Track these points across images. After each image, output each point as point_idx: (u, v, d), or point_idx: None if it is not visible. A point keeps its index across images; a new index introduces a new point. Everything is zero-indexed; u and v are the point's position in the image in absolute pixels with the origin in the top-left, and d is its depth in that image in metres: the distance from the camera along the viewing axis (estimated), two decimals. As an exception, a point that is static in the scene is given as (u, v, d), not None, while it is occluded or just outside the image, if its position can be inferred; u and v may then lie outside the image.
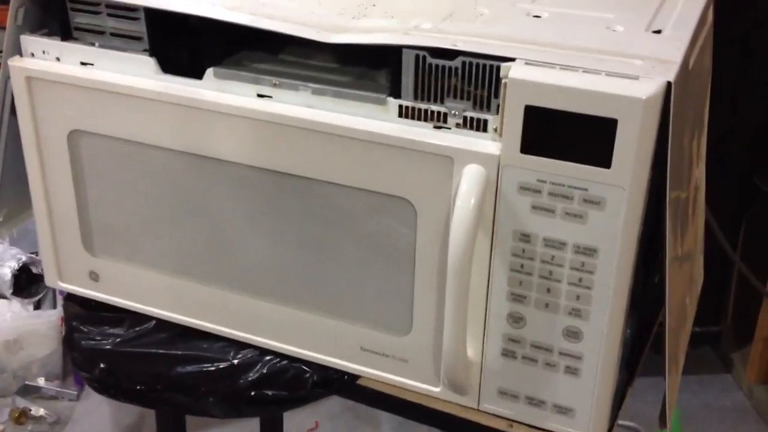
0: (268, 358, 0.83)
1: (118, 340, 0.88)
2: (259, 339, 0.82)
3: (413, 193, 0.68)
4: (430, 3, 0.74)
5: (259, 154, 0.73)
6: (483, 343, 0.71)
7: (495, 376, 0.72)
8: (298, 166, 0.72)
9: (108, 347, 0.89)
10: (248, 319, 0.82)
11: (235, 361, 0.84)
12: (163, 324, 0.87)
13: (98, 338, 0.90)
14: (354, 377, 0.81)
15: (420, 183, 0.68)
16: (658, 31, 0.68)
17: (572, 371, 0.69)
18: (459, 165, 0.65)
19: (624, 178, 0.60)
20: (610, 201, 0.61)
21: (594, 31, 0.67)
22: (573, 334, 0.67)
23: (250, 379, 0.83)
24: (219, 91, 0.73)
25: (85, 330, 0.91)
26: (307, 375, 0.82)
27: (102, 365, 0.90)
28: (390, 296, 0.74)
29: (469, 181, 0.64)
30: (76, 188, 0.84)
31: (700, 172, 0.84)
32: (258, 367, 0.83)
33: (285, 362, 0.82)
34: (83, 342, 0.90)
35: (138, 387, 0.88)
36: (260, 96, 0.72)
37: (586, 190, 0.62)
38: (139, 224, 0.83)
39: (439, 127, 0.67)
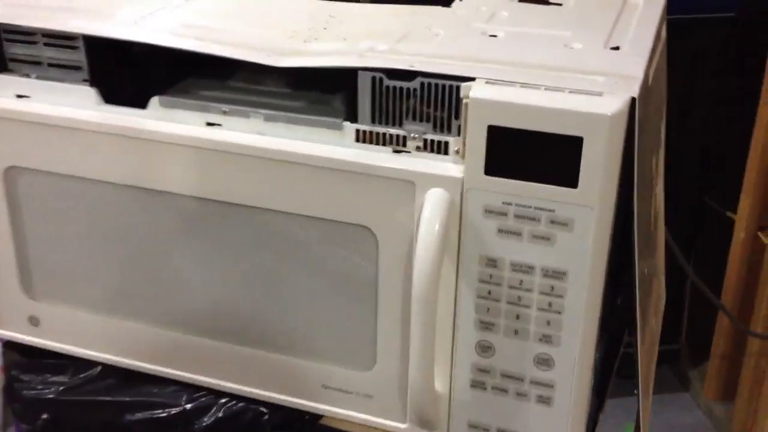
0: (223, 400, 0.79)
1: (62, 388, 0.83)
2: (213, 381, 0.78)
3: (373, 220, 0.66)
4: (383, 25, 0.72)
5: (208, 185, 0.70)
6: (451, 374, 0.68)
7: (464, 408, 0.69)
8: (249, 196, 0.69)
9: (51, 396, 0.84)
10: (200, 360, 0.78)
11: (188, 406, 0.79)
12: (109, 369, 0.82)
13: (40, 387, 0.84)
14: (316, 417, 0.77)
15: (380, 209, 0.65)
16: (617, 48, 0.66)
17: (544, 400, 0.66)
18: (421, 189, 0.63)
19: (592, 198, 0.59)
20: (578, 221, 0.59)
21: (552, 49, 0.66)
22: (544, 362, 0.65)
23: (204, 424, 0.79)
24: (165, 120, 0.69)
25: (26, 379, 0.85)
26: (266, 417, 0.78)
27: (45, 416, 0.85)
28: (351, 329, 0.71)
29: (433, 205, 0.62)
30: (13, 228, 0.79)
31: (659, 190, 0.84)
32: (213, 410, 0.79)
33: (242, 404, 0.78)
34: (24, 392, 0.85)
35: (85, 438, 0.83)
36: (209, 124, 0.69)
37: (553, 211, 0.60)
38: (81, 264, 0.78)
39: (399, 151, 0.65)
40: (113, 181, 0.73)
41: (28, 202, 0.78)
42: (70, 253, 0.78)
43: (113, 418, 0.81)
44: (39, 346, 0.84)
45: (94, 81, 0.72)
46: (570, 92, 0.58)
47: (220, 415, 0.78)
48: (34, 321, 0.84)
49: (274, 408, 0.77)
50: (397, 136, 0.65)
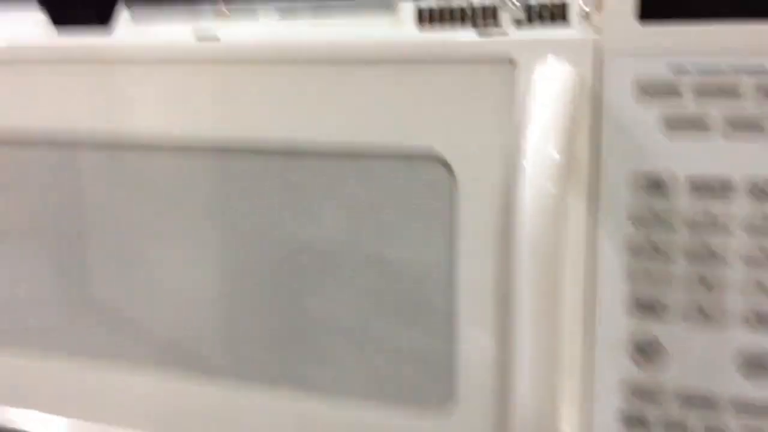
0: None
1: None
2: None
3: (446, 141, 0.40)
4: None
5: (212, 124, 0.46)
6: (584, 404, 0.40)
7: (611, 468, 0.40)
8: (269, 130, 0.45)
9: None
10: (195, 418, 0.50)
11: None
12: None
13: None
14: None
15: (457, 121, 0.40)
16: None
17: (760, 442, 0.37)
18: (525, 70, 0.38)
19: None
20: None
21: None
22: (758, 365, 0.36)
23: None
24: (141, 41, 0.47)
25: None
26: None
27: None
28: (414, 344, 0.44)
29: (547, 90, 0.37)
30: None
31: None
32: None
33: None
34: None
35: None
36: (201, 40, 0.46)
37: (765, 72, 0.34)
38: (31, 277, 0.54)
39: (487, 31, 0.40)
40: (77, 136, 0.50)
41: None
42: (16, 254, 0.54)
43: None
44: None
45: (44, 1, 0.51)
46: None
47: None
48: None
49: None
50: (483, 9, 0.40)
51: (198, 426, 0.50)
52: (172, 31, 0.48)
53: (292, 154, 0.44)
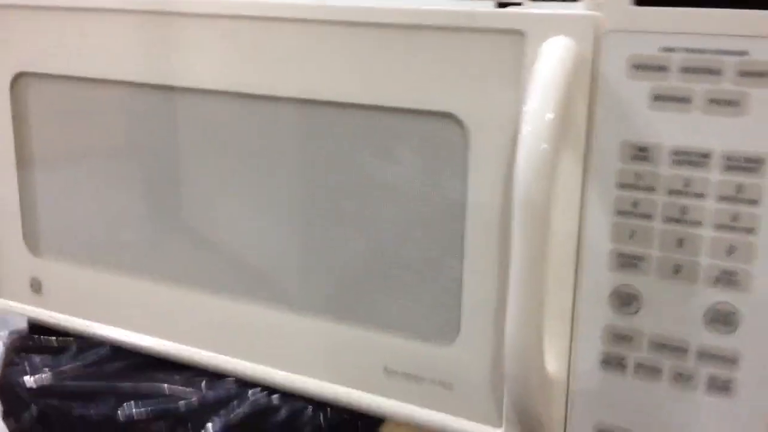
0: (251, 392, 0.58)
1: (58, 374, 0.64)
2: (239, 364, 0.57)
3: (461, 103, 0.45)
4: None
5: (254, 75, 0.51)
6: (570, 345, 0.45)
7: (591, 402, 0.45)
8: (303, 84, 0.50)
9: (45, 384, 0.65)
10: (228, 336, 0.57)
11: (205, 396, 0.58)
12: (117, 351, 0.63)
13: (32, 373, 0.66)
14: (373, 422, 0.54)
15: (471, 83, 0.44)
16: None
17: (720, 386, 0.41)
18: (533, 41, 0.42)
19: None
20: (792, 68, 0.37)
21: None
22: (722, 318, 0.41)
23: (223, 422, 0.57)
24: None
25: (17, 361, 0.67)
26: (308, 415, 0.56)
27: (35, 408, 0.65)
28: (425, 277, 0.49)
29: (549, 61, 0.41)
30: (18, 159, 0.63)
31: None
32: (236, 404, 0.57)
33: (273, 397, 0.57)
34: (11, 378, 0.66)
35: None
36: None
37: (745, 54, 0.38)
38: (96, 201, 0.61)
39: (505, 4, 0.44)
40: (135, 79, 0.56)
41: (37, 121, 0.62)
42: (83, 187, 0.61)
43: (112, 411, 0.61)
44: (40, 319, 0.66)
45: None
46: None
47: (246, 411, 0.57)
48: (36, 286, 0.66)
49: (317, 405, 0.55)
50: (502, -17, 0.44)
51: (262, 348, 0.56)
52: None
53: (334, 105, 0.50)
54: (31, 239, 0.65)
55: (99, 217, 0.61)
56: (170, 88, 0.55)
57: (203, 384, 0.59)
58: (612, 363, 0.44)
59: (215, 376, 0.59)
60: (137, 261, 0.60)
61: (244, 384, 0.57)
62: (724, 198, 0.39)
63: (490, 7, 0.44)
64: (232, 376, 0.58)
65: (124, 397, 0.61)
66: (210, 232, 0.56)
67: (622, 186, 0.41)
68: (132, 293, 0.61)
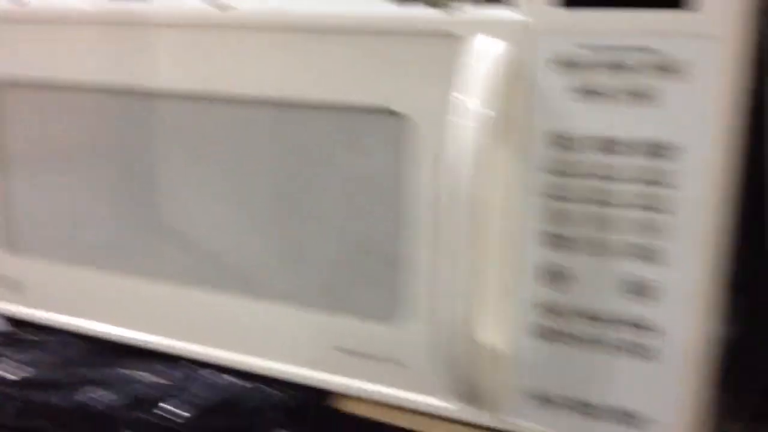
0: (205, 372, 0.60)
1: (36, 369, 0.66)
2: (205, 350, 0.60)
3: (397, 98, 0.48)
4: None
5: (219, 77, 0.54)
6: (506, 319, 0.49)
7: (527, 371, 0.49)
8: (269, 85, 0.52)
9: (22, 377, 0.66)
10: (202, 326, 0.60)
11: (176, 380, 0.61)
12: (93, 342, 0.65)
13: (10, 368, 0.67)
14: (322, 394, 0.57)
15: (408, 82, 0.48)
16: None
17: (639, 351, 0.46)
18: (466, 43, 0.45)
19: (718, 22, 0.40)
20: (699, 63, 0.41)
21: None
22: (637, 288, 0.45)
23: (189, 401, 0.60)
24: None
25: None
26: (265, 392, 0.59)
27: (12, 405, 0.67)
28: (372, 258, 0.52)
29: (482, 60, 0.44)
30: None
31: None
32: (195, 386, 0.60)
33: (228, 379, 0.60)
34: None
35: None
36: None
37: (655, 51, 0.42)
38: (73, 201, 0.63)
39: (444, 6, 0.48)
40: (106, 84, 0.58)
41: (15, 126, 0.63)
42: (60, 187, 0.63)
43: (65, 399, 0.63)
44: (20, 315, 0.68)
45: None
46: None
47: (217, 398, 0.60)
48: (15, 285, 0.68)
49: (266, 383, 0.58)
50: (435, -16, 0.47)
51: (238, 337, 0.59)
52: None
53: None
54: (10, 239, 0.66)
55: (75, 217, 0.63)
56: (141, 92, 0.57)
57: (175, 371, 0.61)
58: (545, 335, 0.48)
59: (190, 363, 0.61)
60: (113, 258, 0.62)
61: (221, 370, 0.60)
62: (638, 180, 0.43)
63: (426, 12, 0.48)
64: (209, 363, 0.61)
65: (102, 386, 0.63)
66: (184, 229, 0.59)
67: (548, 171, 0.45)
68: (109, 289, 0.63)
